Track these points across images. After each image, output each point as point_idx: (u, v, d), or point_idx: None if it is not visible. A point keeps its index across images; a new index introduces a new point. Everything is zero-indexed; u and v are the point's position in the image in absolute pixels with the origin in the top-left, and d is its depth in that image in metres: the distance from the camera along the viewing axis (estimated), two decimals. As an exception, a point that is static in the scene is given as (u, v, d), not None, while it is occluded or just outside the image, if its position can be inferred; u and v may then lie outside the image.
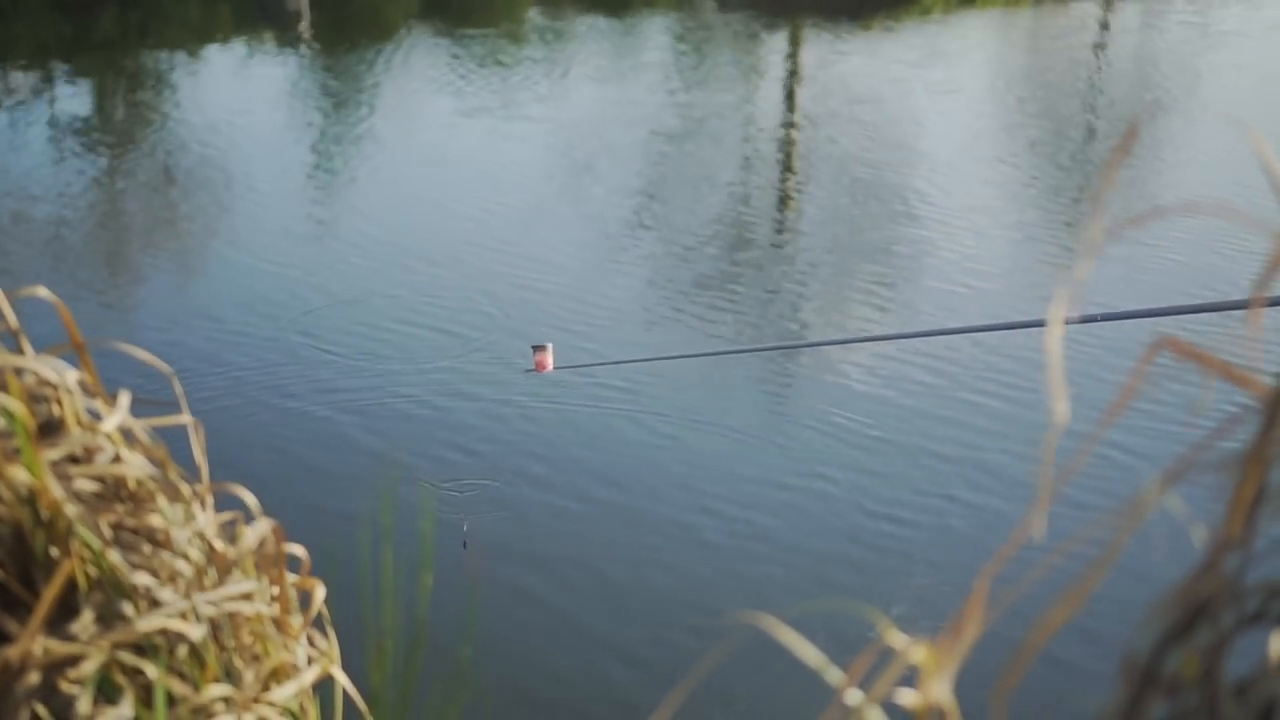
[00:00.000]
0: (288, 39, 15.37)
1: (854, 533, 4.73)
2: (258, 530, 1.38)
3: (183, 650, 1.27)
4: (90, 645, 1.21)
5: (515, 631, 4.06)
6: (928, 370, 6.07)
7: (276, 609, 1.37)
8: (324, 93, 13.10)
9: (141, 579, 1.26)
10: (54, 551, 1.24)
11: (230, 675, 1.31)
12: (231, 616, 1.32)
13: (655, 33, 16.54)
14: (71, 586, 1.24)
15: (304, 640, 1.40)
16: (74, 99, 12.53)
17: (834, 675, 0.90)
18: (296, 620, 1.40)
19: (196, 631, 1.26)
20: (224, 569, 1.34)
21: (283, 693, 1.32)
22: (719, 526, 4.76)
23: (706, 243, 8.27)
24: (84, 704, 1.18)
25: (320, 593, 1.42)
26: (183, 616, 1.26)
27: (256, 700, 1.30)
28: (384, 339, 6.53)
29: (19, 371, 1.30)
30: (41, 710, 1.19)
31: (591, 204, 9.09)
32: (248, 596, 1.33)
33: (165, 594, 1.27)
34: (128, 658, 1.22)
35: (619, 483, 5.05)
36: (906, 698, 0.82)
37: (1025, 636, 0.77)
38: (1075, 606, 0.77)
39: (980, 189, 9.54)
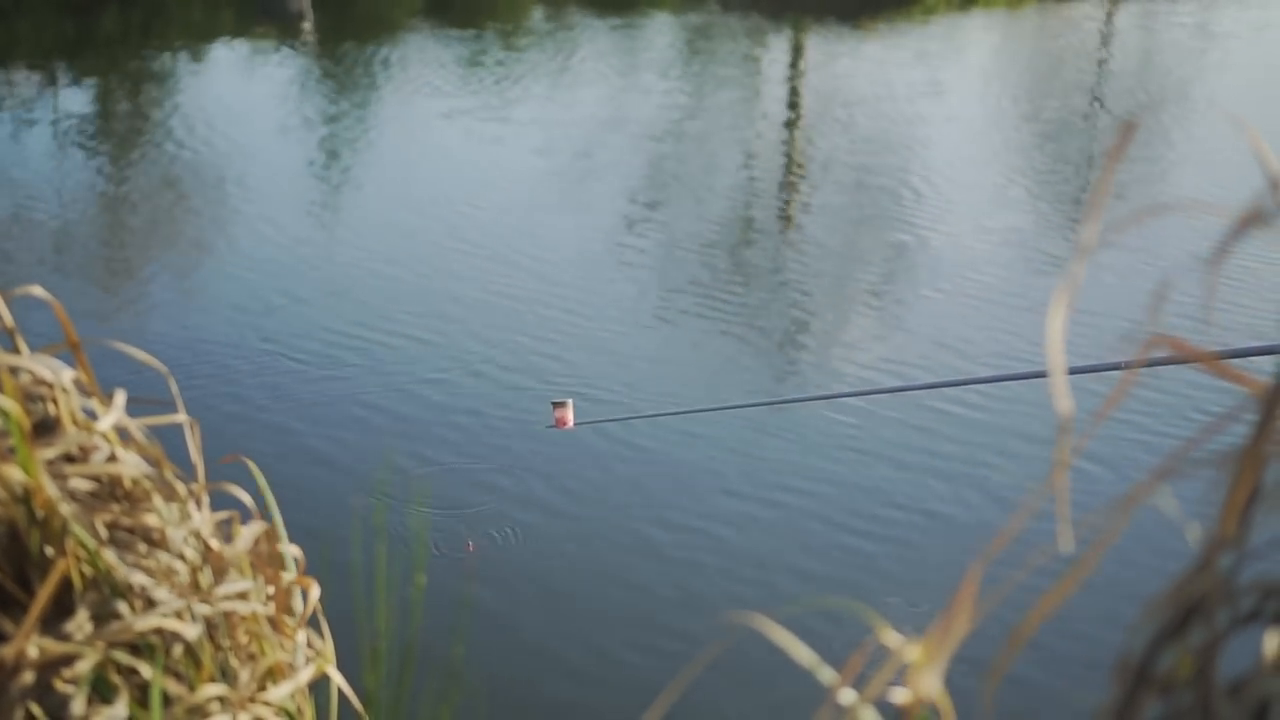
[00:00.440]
0: (290, 39, 15.37)
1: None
2: (253, 530, 1.38)
3: (178, 649, 1.26)
4: (85, 644, 1.21)
5: (509, 632, 4.06)
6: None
7: (272, 608, 1.37)
8: (326, 93, 13.10)
9: (137, 578, 1.26)
10: (49, 550, 1.24)
11: (226, 675, 1.30)
12: (227, 616, 1.31)
13: (658, 33, 16.53)
14: (66, 586, 1.24)
15: (300, 640, 1.40)
16: (76, 99, 12.54)
17: (827, 675, 0.90)
18: (292, 620, 1.40)
19: (192, 631, 1.25)
20: (220, 568, 1.34)
21: (278, 692, 1.32)
22: (719, 532, 4.76)
23: (708, 244, 8.26)
24: (79, 703, 1.18)
25: (315, 592, 1.42)
26: (178, 616, 1.26)
27: (252, 700, 1.30)
28: (383, 340, 6.52)
29: (14, 370, 1.30)
30: (36, 710, 1.19)
31: (593, 204, 9.09)
32: (243, 596, 1.33)
33: (160, 593, 1.26)
34: (123, 657, 1.22)
35: (619, 486, 5.05)
36: (899, 696, 0.82)
37: (1013, 629, 0.77)
38: (1062, 599, 0.77)
39: (982, 188, 9.54)
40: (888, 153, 10.53)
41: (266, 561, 1.38)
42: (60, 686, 1.20)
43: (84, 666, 1.19)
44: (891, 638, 0.84)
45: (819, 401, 5.59)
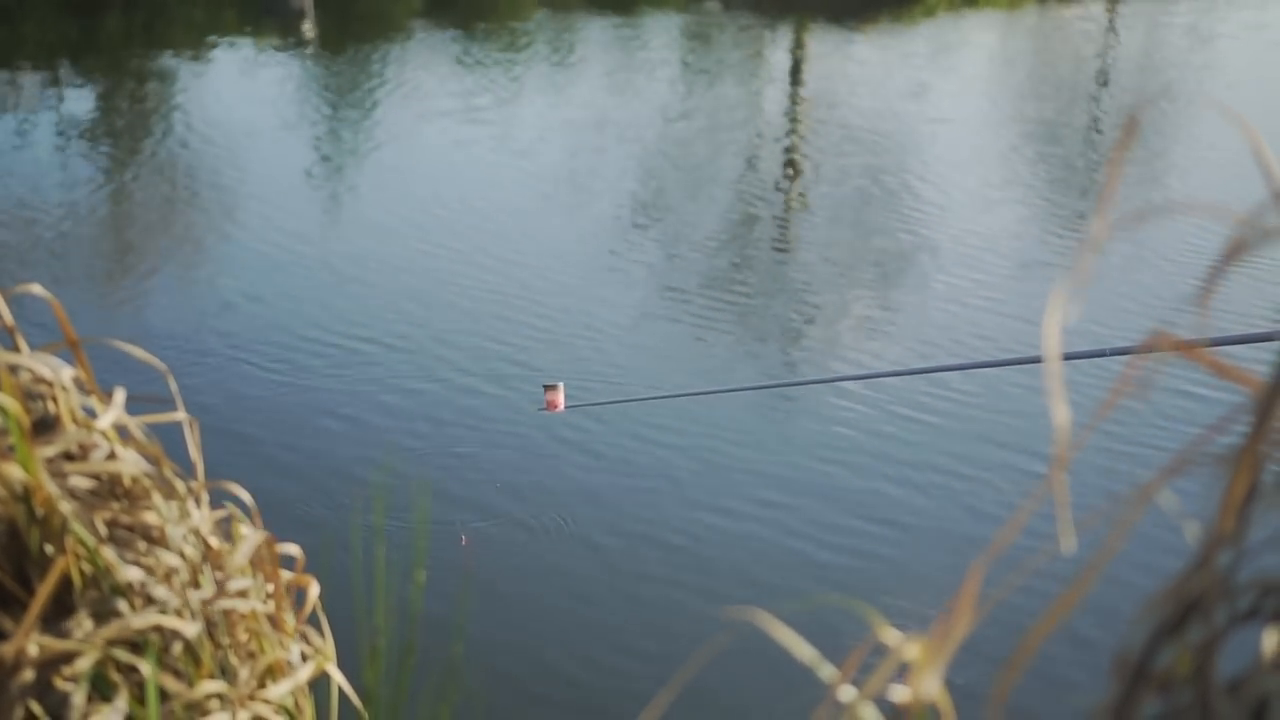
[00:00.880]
0: (292, 38, 15.38)
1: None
2: (254, 539, 1.38)
3: (178, 647, 1.26)
4: (85, 642, 1.21)
5: (507, 628, 4.07)
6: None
7: (271, 606, 1.37)
8: (328, 92, 13.11)
9: (136, 576, 1.26)
10: (49, 549, 1.24)
11: (225, 672, 1.30)
12: (226, 614, 1.31)
13: (659, 32, 16.53)
14: (66, 584, 1.24)
15: (299, 638, 1.40)
16: (79, 99, 12.55)
17: (827, 672, 0.90)
18: (291, 618, 1.40)
19: (191, 628, 1.25)
20: (219, 566, 1.34)
21: (278, 690, 1.32)
22: (719, 525, 4.76)
23: (708, 242, 8.26)
24: (78, 701, 1.18)
25: (315, 590, 1.42)
26: (177, 614, 1.26)
27: (251, 697, 1.30)
28: (381, 336, 6.52)
29: (14, 368, 1.30)
30: (36, 707, 1.19)
31: (593, 201, 9.09)
32: (243, 594, 1.33)
33: (160, 591, 1.26)
34: (122, 655, 1.22)
35: (616, 482, 5.05)
36: (899, 694, 0.81)
37: (1020, 638, 0.77)
38: (1070, 605, 0.77)
39: (984, 187, 9.54)
40: (887, 151, 10.53)
41: (265, 559, 1.38)
42: (60, 684, 1.20)
43: (84, 664, 1.19)
44: (890, 635, 0.83)
45: (817, 386, 5.58)
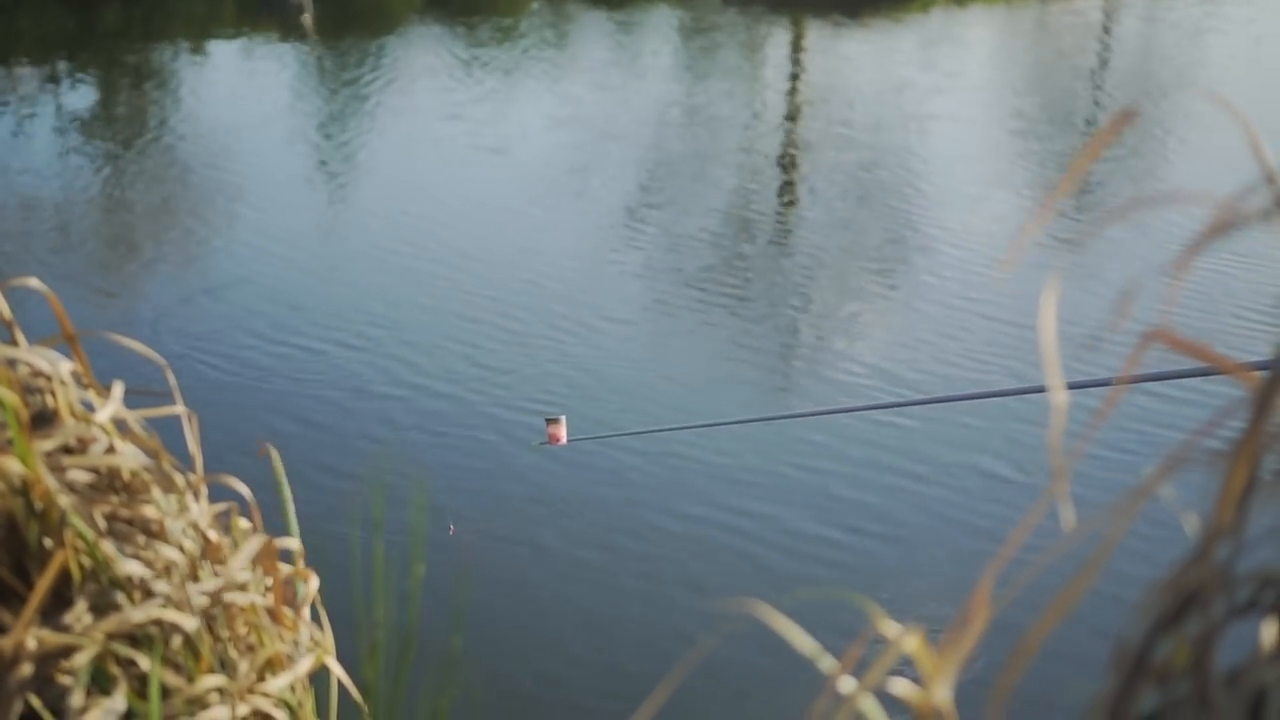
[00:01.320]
0: (291, 32, 15.37)
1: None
2: (255, 543, 1.38)
3: (177, 641, 1.26)
4: (84, 636, 1.21)
5: (506, 622, 4.07)
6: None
7: (271, 600, 1.37)
8: (327, 86, 13.10)
9: (135, 570, 1.26)
10: (48, 542, 1.24)
11: (225, 666, 1.30)
12: (226, 607, 1.31)
13: (658, 26, 16.52)
14: (65, 577, 1.24)
15: (299, 631, 1.40)
16: (77, 93, 12.53)
17: (827, 663, 0.90)
18: (291, 611, 1.40)
19: (190, 622, 1.25)
20: (218, 560, 1.34)
21: (277, 683, 1.32)
22: (718, 522, 4.77)
23: (705, 239, 8.26)
24: (77, 695, 1.18)
25: (314, 584, 1.42)
26: (177, 607, 1.26)
27: (251, 691, 1.30)
28: (380, 331, 6.52)
29: (12, 362, 1.30)
30: (35, 701, 1.19)
31: (589, 197, 9.08)
32: (242, 587, 1.33)
33: (159, 585, 1.26)
34: (121, 648, 1.22)
35: (614, 477, 5.05)
36: (900, 688, 0.81)
37: (1022, 633, 0.77)
38: (1072, 602, 0.77)
39: (980, 179, 9.53)
40: (886, 146, 10.52)
41: (265, 554, 1.38)
42: (59, 678, 1.20)
43: (83, 658, 1.19)
44: (890, 628, 0.83)
45: (818, 416, 5.57)
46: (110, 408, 1.33)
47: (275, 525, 1.44)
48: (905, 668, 0.80)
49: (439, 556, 4.23)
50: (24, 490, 1.23)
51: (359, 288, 7.20)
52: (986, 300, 6.96)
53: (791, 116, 11.87)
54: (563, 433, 3.67)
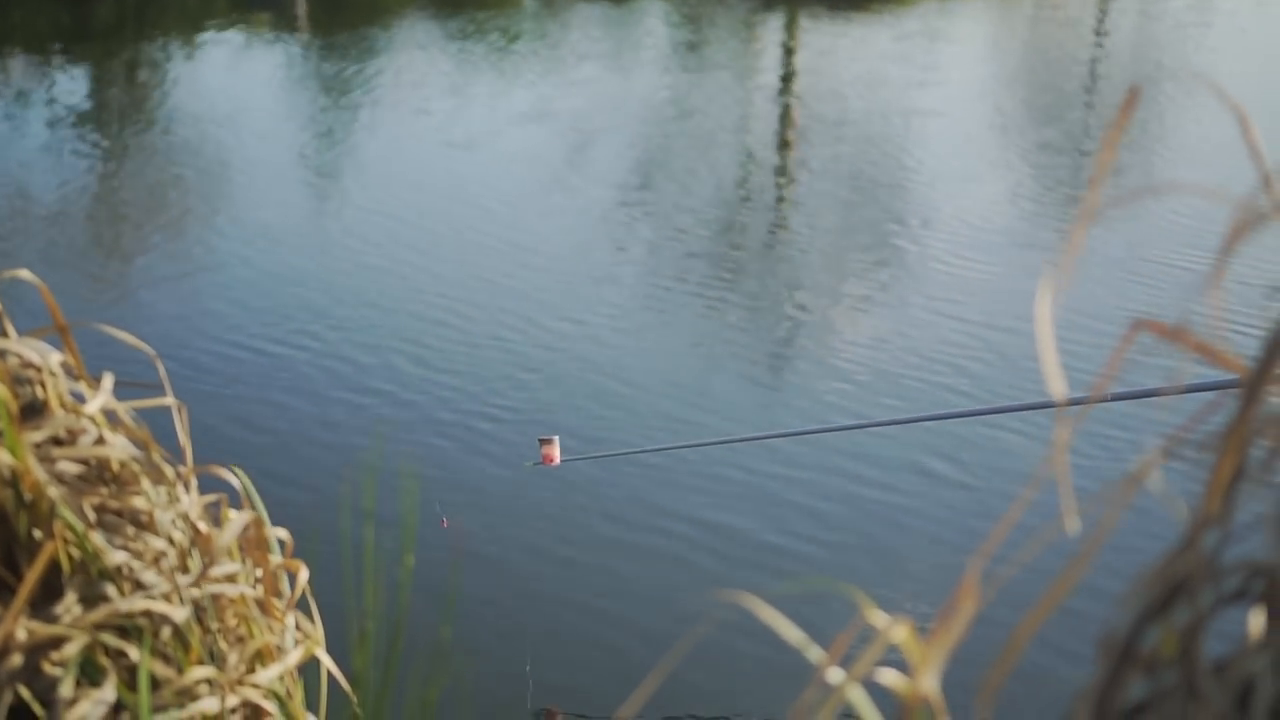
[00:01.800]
0: (284, 25, 15.34)
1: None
2: (241, 520, 1.38)
3: (166, 632, 1.26)
4: (73, 627, 1.21)
5: (496, 612, 4.08)
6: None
7: (260, 591, 1.36)
8: (320, 79, 13.08)
9: (124, 560, 1.25)
10: (37, 533, 1.24)
11: (214, 657, 1.30)
12: (215, 598, 1.31)
13: (652, 17, 16.50)
14: (54, 568, 1.24)
15: (289, 622, 1.40)
16: (71, 87, 12.51)
17: (815, 654, 0.90)
18: (281, 602, 1.40)
19: (180, 613, 1.25)
20: (208, 551, 1.34)
21: (267, 674, 1.32)
22: (711, 511, 4.77)
23: (701, 229, 8.26)
24: (67, 686, 1.18)
25: (304, 575, 1.42)
26: (166, 598, 1.26)
27: (240, 682, 1.30)
28: (370, 323, 6.52)
29: (2, 353, 1.30)
30: (25, 692, 1.19)
31: (583, 189, 9.08)
32: (231, 578, 1.33)
33: (148, 576, 1.26)
34: (111, 639, 1.22)
35: (607, 468, 5.06)
36: (889, 678, 0.82)
37: (1012, 627, 0.77)
38: (1063, 594, 0.77)
39: (975, 170, 9.53)
40: (881, 137, 10.52)
41: (255, 544, 1.38)
42: (48, 669, 1.20)
43: (72, 649, 1.19)
44: (879, 618, 0.84)
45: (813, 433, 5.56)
46: (100, 399, 1.33)
47: (266, 512, 1.44)
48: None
49: (429, 547, 4.23)
50: (13, 481, 1.22)
51: (353, 279, 7.20)
52: (978, 298, 6.97)
53: (784, 106, 11.87)
54: (556, 453, 3.67)
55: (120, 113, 11.57)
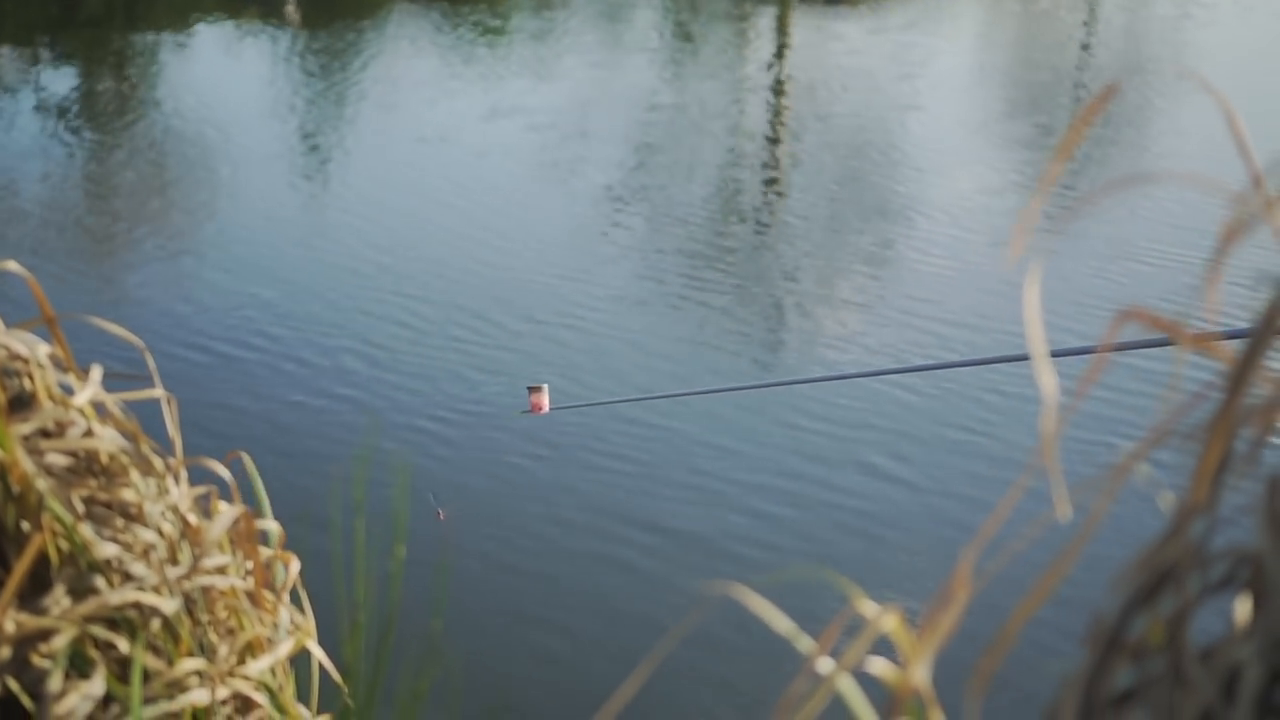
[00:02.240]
0: (274, 17, 15.30)
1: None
2: (231, 512, 1.38)
3: (156, 624, 1.26)
4: (62, 619, 1.20)
5: (488, 603, 4.08)
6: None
7: (251, 583, 1.36)
8: (310, 71, 13.05)
9: (113, 553, 1.25)
10: (25, 526, 1.23)
11: (205, 649, 1.30)
12: (205, 590, 1.31)
13: (645, 9, 16.48)
14: (43, 561, 1.24)
15: (280, 614, 1.40)
16: (60, 78, 12.47)
17: (804, 644, 0.90)
18: (271, 594, 1.39)
19: (169, 605, 1.25)
20: (198, 543, 1.34)
21: (258, 666, 1.32)
22: (700, 503, 4.77)
23: (694, 221, 8.25)
24: (56, 678, 1.18)
25: (295, 567, 1.41)
26: (156, 590, 1.26)
27: (231, 674, 1.30)
28: (358, 314, 6.51)
29: (-10, 345, 1.29)
30: (13, 684, 1.19)
31: (576, 181, 9.07)
32: (222, 570, 1.32)
33: (138, 568, 1.26)
34: (100, 632, 1.22)
35: (599, 458, 5.06)
36: (878, 668, 0.82)
37: (1002, 620, 0.77)
38: (1052, 586, 0.77)
39: (967, 160, 9.54)
40: (873, 128, 10.52)
41: (245, 536, 1.37)
42: (37, 661, 1.20)
43: (60, 641, 1.19)
44: (869, 607, 0.84)
45: (801, 384, 5.58)
46: (89, 391, 1.32)
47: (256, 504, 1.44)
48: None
49: (421, 538, 4.23)
50: (1, 474, 1.22)
51: (335, 268, 7.18)
52: (968, 275, 6.98)
53: (777, 97, 11.86)
54: (545, 401, 3.64)
55: (108, 105, 11.53)
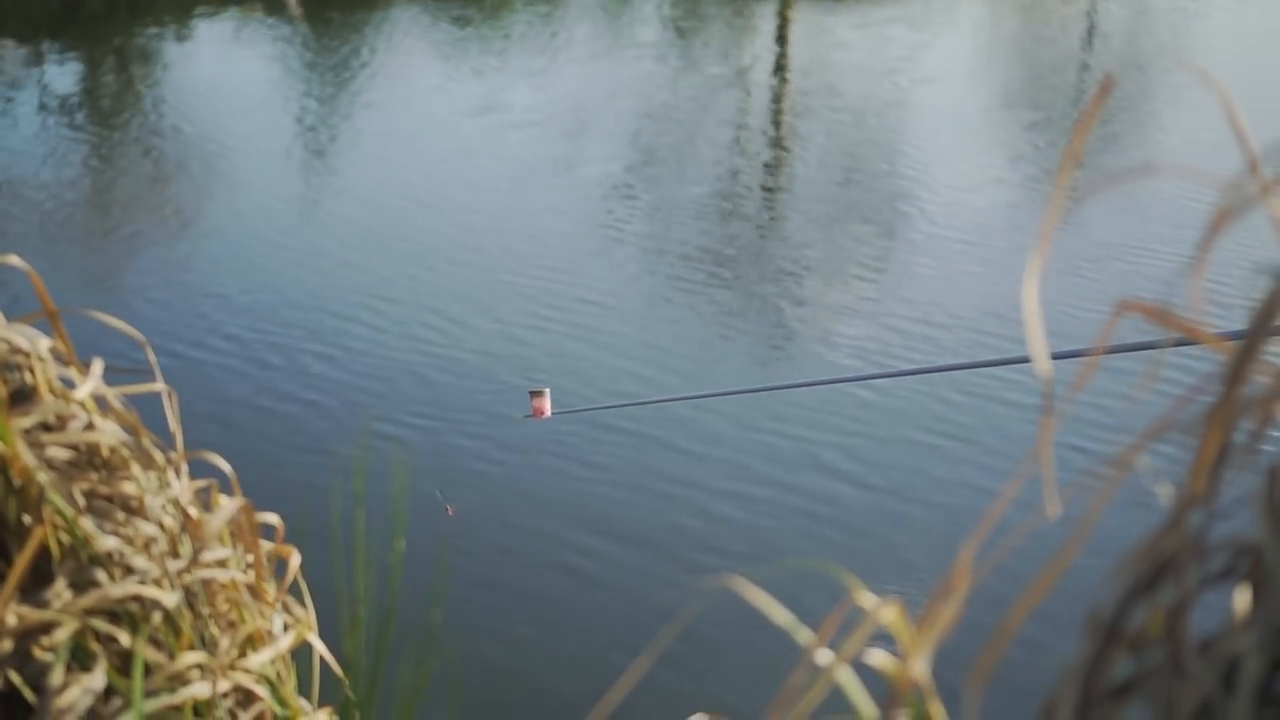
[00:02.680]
0: (276, 12, 15.29)
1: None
2: (231, 506, 1.38)
3: (157, 617, 1.26)
4: (63, 612, 1.21)
5: (488, 596, 4.08)
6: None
7: (252, 576, 1.36)
8: (312, 66, 13.04)
9: (114, 546, 1.25)
10: (26, 519, 1.24)
11: (205, 642, 1.30)
12: (206, 583, 1.31)
13: (646, 5, 16.47)
14: (44, 554, 1.24)
15: (280, 607, 1.40)
16: (62, 74, 12.47)
17: (804, 635, 0.90)
18: (272, 587, 1.40)
19: (171, 598, 1.25)
20: (199, 536, 1.34)
21: (259, 659, 1.32)
22: (699, 494, 4.77)
23: (695, 215, 8.25)
24: (57, 671, 1.18)
25: (296, 560, 1.42)
26: (156, 584, 1.26)
27: (232, 667, 1.30)
28: (362, 309, 6.52)
29: (-9, 339, 1.30)
30: (15, 677, 1.19)
31: (577, 176, 9.06)
32: (222, 564, 1.33)
33: (139, 561, 1.26)
34: (101, 625, 1.22)
35: (599, 453, 5.06)
36: (877, 659, 0.82)
37: (999, 623, 0.77)
38: (1052, 581, 0.77)
39: (967, 155, 9.53)
40: (874, 124, 10.51)
41: (245, 529, 1.38)
42: (39, 654, 1.20)
43: (62, 634, 1.19)
44: (868, 599, 0.84)
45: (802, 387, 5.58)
46: (90, 384, 1.32)
47: (257, 498, 1.44)
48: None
49: (422, 533, 4.23)
50: (3, 467, 1.22)
51: (336, 264, 7.18)
52: (968, 276, 6.97)
53: (778, 92, 11.85)
54: (547, 405, 3.63)
55: (111, 99, 11.53)
